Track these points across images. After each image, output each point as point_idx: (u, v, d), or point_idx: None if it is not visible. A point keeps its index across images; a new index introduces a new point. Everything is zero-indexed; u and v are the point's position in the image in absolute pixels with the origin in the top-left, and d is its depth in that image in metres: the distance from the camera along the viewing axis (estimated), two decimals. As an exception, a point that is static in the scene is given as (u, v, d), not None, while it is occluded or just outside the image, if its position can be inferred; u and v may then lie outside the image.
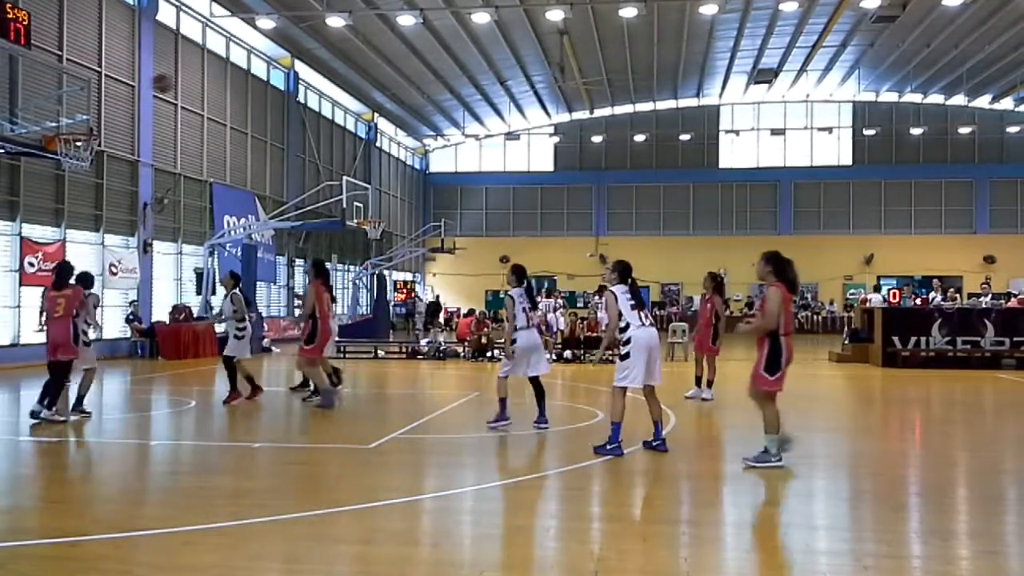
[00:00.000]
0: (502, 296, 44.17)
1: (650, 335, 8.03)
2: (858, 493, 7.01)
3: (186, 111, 23.29)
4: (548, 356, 19.42)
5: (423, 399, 12.82)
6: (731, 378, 17.47)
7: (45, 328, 10.03)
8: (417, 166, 45.07)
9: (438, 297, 37.99)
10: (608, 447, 7.95)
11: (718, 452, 8.93)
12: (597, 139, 42.21)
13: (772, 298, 7.90)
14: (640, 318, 8.06)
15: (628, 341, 7.99)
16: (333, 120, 33.98)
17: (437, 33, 28.59)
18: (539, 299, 21.57)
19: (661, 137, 42.23)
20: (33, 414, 9.77)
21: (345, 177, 25.39)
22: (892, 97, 40.91)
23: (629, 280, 8.52)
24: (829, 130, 41.52)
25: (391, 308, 33.04)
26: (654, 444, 8.22)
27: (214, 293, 21.89)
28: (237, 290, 12.23)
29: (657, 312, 34.30)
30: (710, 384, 12.65)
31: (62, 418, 9.73)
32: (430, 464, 8.07)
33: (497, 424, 9.53)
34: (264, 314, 26.22)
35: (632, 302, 8.20)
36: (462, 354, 20.51)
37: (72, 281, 10.28)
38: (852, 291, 39.64)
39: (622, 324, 8.07)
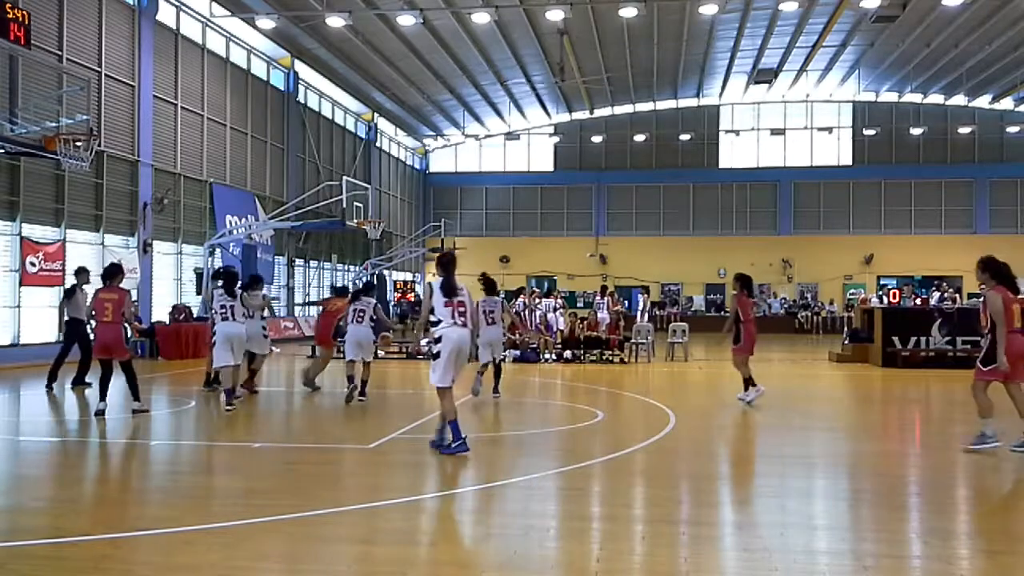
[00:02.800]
0: (503, 296, 43.97)
1: (461, 335, 7.82)
2: (858, 493, 7.01)
3: (186, 111, 23.30)
4: (548, 356, 19.59)
5: (423, 399, 12.82)
6: (732, 377, 17.49)
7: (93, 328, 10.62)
8: (417, 166, 45.08)
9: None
10: (454, 445, 7.80)
11: (718, 452, 8.93)
12: (597, 139, 42.21)
13: (993, 301, 8.21)
14: (454, 316, 7.80)
15: (439, 339, 7.79)
16: (333, 120, 33.99)
17: (437, 33, 28.59)
18: (532, 299, 21.69)
19: (661, 137, 42.24)
20: (99, 412, 10.11)
21: (345, 177, 25.40)
22: (892, 97, 40.91)
23: (456, 274, 8.19)
24: (829, 130, 41.52)
25: (390, 308, 33.03)
26: (439, 442, 7.95)
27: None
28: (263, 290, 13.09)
29: (657, 312, 34.27)
30: (747, 385, 12.04)
31: (145, 408, 10.45)
32: (430, 464, 8.06)
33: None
34: (264, 314, 26.22)
35: (446, 299, 7.83)
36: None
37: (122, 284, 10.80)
38: (852, 291, 39.66)
39: (433, 319, 7.85)
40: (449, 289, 7.83)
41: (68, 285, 15.00)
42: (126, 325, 10.46)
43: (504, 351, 13.76)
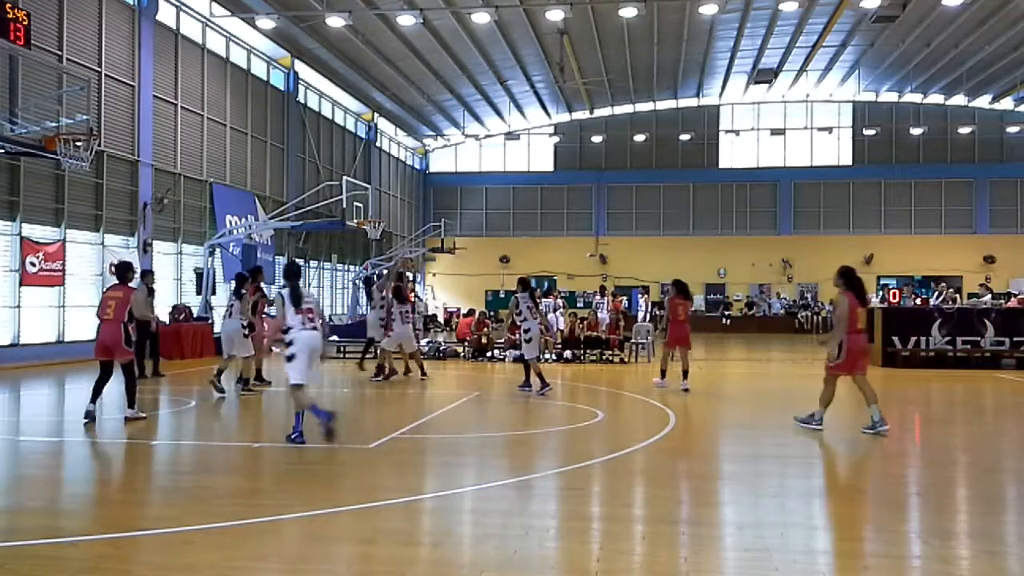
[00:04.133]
0: (503, 296, 43.90)
1: (311, 336, 8.58)
2: (858, 493, 7.01)
3: (186, 111, 23.29)
4: (548, 356, 19.58)
5: (423, 399, 12.83)
6: (731, 377, 17.51)
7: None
8: (417, 166, 45.07)
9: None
10: (293, 436, 8.51)
11: (718, 452, 8.93)
12: (597, 139, 42.21)
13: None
14: (302, 321, 8.58)
15: (291, 343, 8.58)
16: (333, 120, 33.99)
17: (437, 33, 28.59)
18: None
19: (661, 137, 42.24)
20: (88, 415, 9.73)
21: (345, 177, 25.41)
22: (892, 97, 40.91)
23: (298, 279, 9.10)
24: (829, 130, 41.51)
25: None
26: (292, 437, 8.54)
27: (214, 293, 21.89)
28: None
29: (657, 312, 34.23)
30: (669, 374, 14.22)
31: (144, 414, 10.10)
32: (430, 464, 8.07)
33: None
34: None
35: (295, 307, 8.61)
36: (462, 354, 20.51)
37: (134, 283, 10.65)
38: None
39: (284, 326, 8.66)
40: (296, 298, 8.65)
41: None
42: (127, 325, 9.93)
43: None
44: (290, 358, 8.55)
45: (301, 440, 8.47)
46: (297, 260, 10.80)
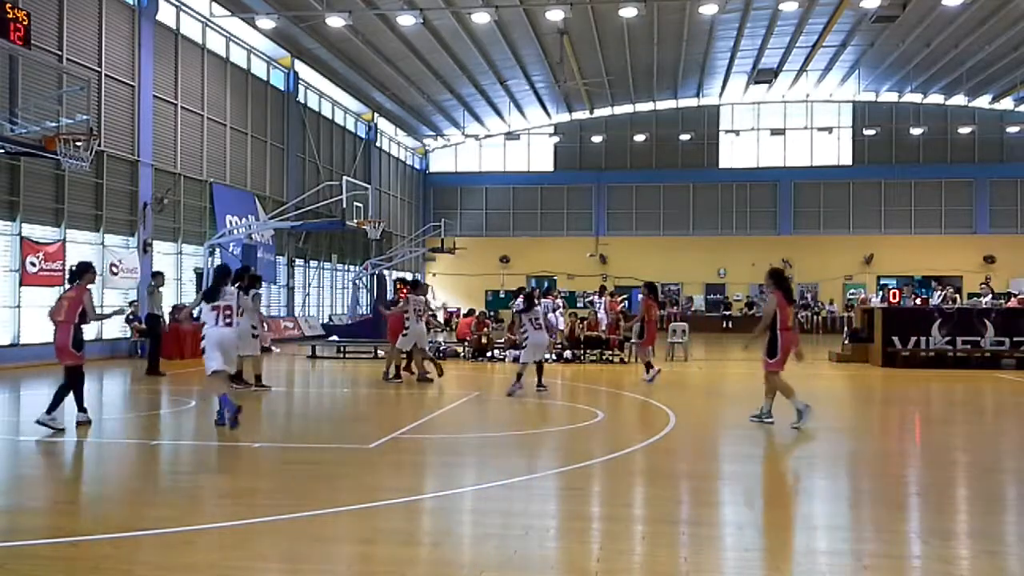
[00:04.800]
0: (503, 296, 43.82)
1: (219, 333, 9.46)
2: (858, 493, 7.01)
3: (186, 111, 23.30)
4: (548, 356, 19.56)
5: (423, 399, 12.83)
6: (731, 377, 17.50)
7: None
8: (417, 166, 45.07)
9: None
10: (225, 418, 9.22)
11: (718, 452, 8.93)
12: (597, 139, 42.21)
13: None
14: (216, 318, 9.47)
15: (204, 337, 9.56)
16: (333, 120, 33.99)
17: (437, 33, 28.59)
18: (534, 302, 21.60)
19: (661, 137, 42.24)
20: (81, 423, 9.46)
21: (345, 177, 25.39)
22: (892, 97, 40.92)
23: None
24: (829, 130, 41.52)
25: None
26: (217, 421, 9.36)
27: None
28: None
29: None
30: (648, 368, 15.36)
31: (60, 427, 9.20)
32: (430, 464, 8.07)
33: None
34: (264, 314, 26.22)
35: (211, 304, 9.55)
36: (462, 354, 20.50)
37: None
38: (852, 291, 39.68)
39: (195, 318, 9.86)
40: (209, 295, 9.60)
41: (150, 283, 16.83)
42: (79, 328, 9.41)
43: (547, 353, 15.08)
44: (203, 350, 9.49)
45: (223, 423, 9.20)
46: (228, 264, 10.72)
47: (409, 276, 29.97)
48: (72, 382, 9.45)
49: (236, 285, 13.13)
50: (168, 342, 19.43)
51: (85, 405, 9.63)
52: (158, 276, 16.67)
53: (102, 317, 10.00)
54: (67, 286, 10.03)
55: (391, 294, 26.47)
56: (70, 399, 9.45)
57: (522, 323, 13.84)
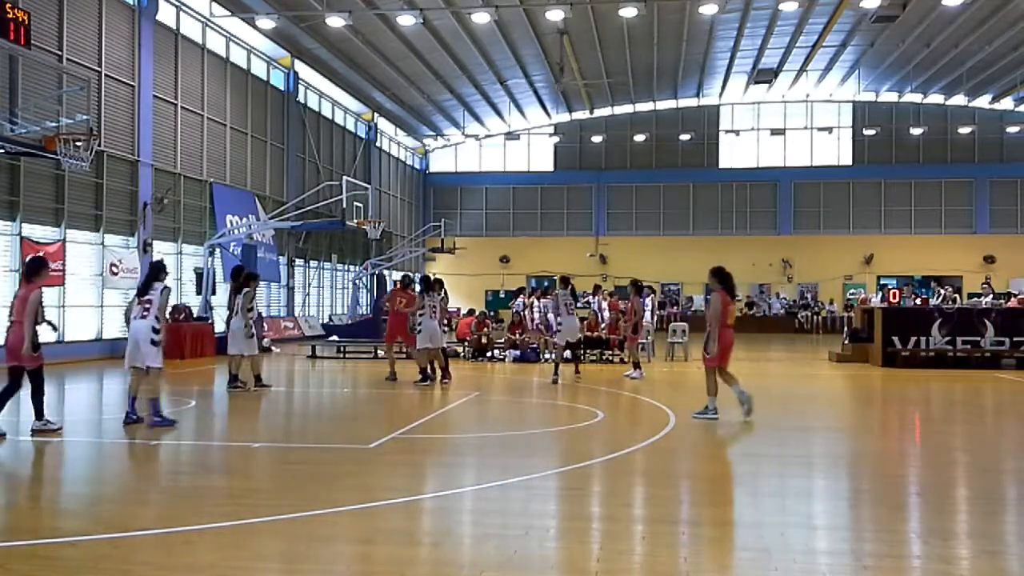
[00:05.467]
0: (503, 296, 43.77)
1: (134, 326, 9.75)
2: (858, 493, 7.01)
3: (186, 111, 23.30)
4: (548, 356, 19.56)
5: (423, 399, 12.82)
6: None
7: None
8: (417, 166, 45.07)
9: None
10: (157, 419, 9.50)
11: (718, 452, 8.92)
12: (597, 139, 42.21)
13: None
14: (139, 312, 9.74)
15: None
16: (333, 120, 33.99)
17: (437, 33, 28.59)
18: (529, 298, 21.63)
19: (661, 137, 42.24)
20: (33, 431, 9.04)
21: (345, 177, 25.40)
22: (892, 97, 40.91)
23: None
24: (829, 130, 41.52)
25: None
26: (141, 419, 9.60)
27: (214, 293, 21.89)
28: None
29: (657, 312, 34.25)
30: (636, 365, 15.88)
31: (58, 425, 9.20)
32: (430, 464, 8.06)
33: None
34: (264, 313, 26.22)
35: (138, 296, 9.96)
36: (462, 354, 20.49)
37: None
38: (852, 291, 39.67)
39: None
40: (143, 290, 9.96)
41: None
42: (33, 327, 8.94)
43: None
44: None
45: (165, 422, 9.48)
46: (162, 261, 10.63)
47: (414, 275, 30.05)
48: (31, 384, 9.03)
49: (231, 285, 13.28)
50: (168, 342, 19.38)
51: (45, 412, 9.12)
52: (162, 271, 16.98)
53: (47, 322, 9.14)
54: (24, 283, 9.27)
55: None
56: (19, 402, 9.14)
57: (557, 309, 15.00)
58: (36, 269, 9.17)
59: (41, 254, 15.64)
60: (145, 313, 9.72)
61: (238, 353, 13.03)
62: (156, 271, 10.09)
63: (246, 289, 13.18)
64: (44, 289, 9.44)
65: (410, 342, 15.31)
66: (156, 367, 9.69)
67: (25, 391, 9.11)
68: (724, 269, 10.88)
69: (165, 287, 9.93)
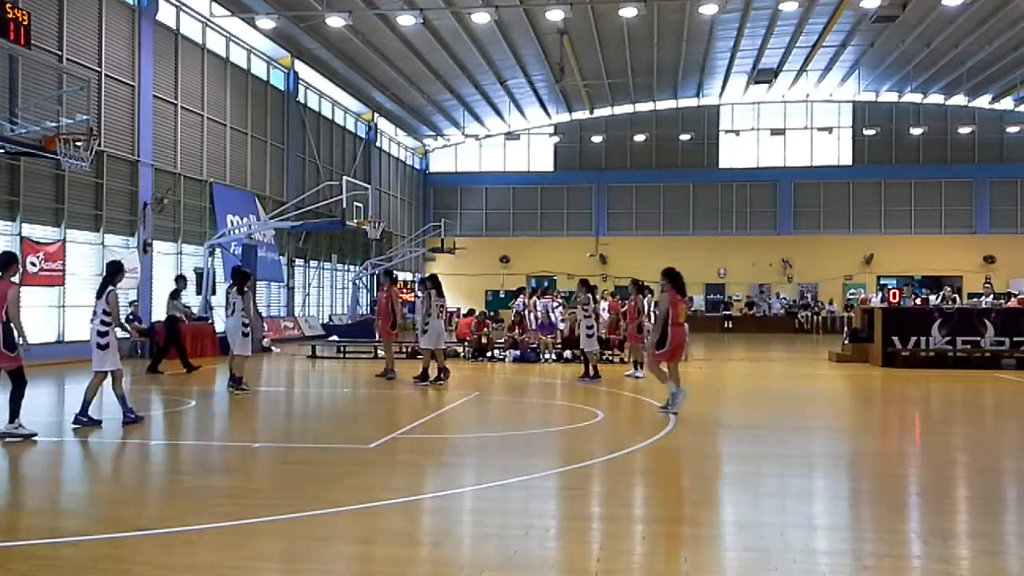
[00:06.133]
0: (503, 296, 43.76)
1: (90, 331, 9.73)
2: (858, 493, 7.01)
3: (186, 111, 23.30)
4: (548, 356, 19.58)
5: (423, 399, 12.82)
6: (732, 377, 17.50)
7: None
8: (417, 166, 45.07)
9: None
10: (83, 418, 9.49)
11: (718, 452, 8.93)
12: (597, 139, 42.21)
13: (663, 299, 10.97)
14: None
15: None
16: (333, 120, 33.99)
17: (437, 33, 28.59)
18: (530, 298, 21.64)
19: (661, 137, 42.24)
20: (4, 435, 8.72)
21: (345, 177, 25.40)
22: (892, 97, 40.91)
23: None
24: (829, 130, 41.52)
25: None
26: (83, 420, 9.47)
27: (214, 293, 21.90)
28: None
29: (656, 312, 34.22)
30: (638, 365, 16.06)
31: (30, 431, 8.76)
32: (430, 464, 8.06)
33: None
34: (264, 313, 26.23)
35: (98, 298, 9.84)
36: (462, 354, 20.50)
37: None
38: (852, 291, 39.68)
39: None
40: (99, 292, 9.84)
41: (174, 288, 17.32)
42: (11, 325, 8.78)
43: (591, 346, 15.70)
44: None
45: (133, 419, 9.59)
46: (117, 262, 10.45)
47: (415, 275, 30.06)
48: (17, 384, 8.86)
49: (229, 285, 13.29)
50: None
51: (19, 416, 8.77)
52: (181, 280, 17.59)
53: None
54: None
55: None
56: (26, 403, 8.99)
57: (587, 311, 15.49)
58: (5, 263, 8.91)
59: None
60: (94, 316, 9.69)
61: (238, 353, 13.02)
62: (109, 273, 9.91)
63: (246, 289, 13.18)
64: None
65: (385, 336, 15.80)
66: (101, 371, 9.55)
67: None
68: (675, 270, 11.38)
69: (111, 290, 9.59)
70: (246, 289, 13.25)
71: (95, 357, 9.54)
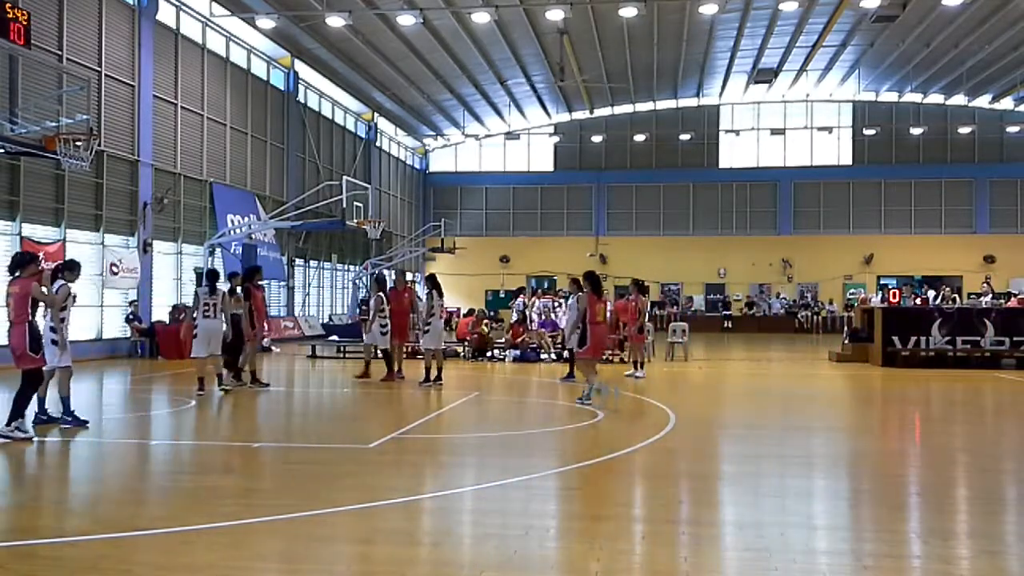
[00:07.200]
0: (503, 296, 43.82)
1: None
2: (858, 493, 7.01)
3: (186, 111, 23.29)
4: (548, 356, 19.57)
5: (423, 399, 12.82)
6: (732, 377, 17.51)
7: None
8: (417, 166, 45.07)
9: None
10: (72, 420, 9.41)
11: (718, 452, 8.93)
12: (597, 139, 42.21)
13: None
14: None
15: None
16: (333, 120, 33.99)
17: (437, 33, 28.59)
18: (530, 298, 21.66)
19: (661, 137, 42.24)
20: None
21: (345, 177, 25.39)
22: (892, 97, 40.91)
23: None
24: (829, 130, 41.52)
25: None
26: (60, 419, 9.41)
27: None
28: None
29: (656, 312, 34.30)
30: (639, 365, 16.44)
31: (24, 434, 8.60)
32: (430, 464, 8.06)
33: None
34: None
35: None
36: (462, 354, 20.50)
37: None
38: (852, 291, 39.68)
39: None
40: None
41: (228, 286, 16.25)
42: (34, 325, 8.70)
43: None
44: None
45: (76, 422, 9.35)
46: (71, 261, 10.34)
47: (415, 275, 29.98)
48: (30, 386, 8.74)
49: (228, 285, 13.26)
50: (167, 342, 19.47)
51: (24, 416, 8.68)
52: (235, 277, 16.58)
53: (58, 305, 9.02)
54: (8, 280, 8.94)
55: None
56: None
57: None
58: (24, 262, 8.90)
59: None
60: (45, 311, 9.42)
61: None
62: (59, 269, 9.59)
63: (239, 290, 13.24)
64: (44, 288, 9.32)
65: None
66: (56, 367, 9.31)
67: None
68: (595, 273, 12.31)
69: (63, 284, 9.34)
70: (238, 289, 13.31)
71: (47, 353, 9.06)
